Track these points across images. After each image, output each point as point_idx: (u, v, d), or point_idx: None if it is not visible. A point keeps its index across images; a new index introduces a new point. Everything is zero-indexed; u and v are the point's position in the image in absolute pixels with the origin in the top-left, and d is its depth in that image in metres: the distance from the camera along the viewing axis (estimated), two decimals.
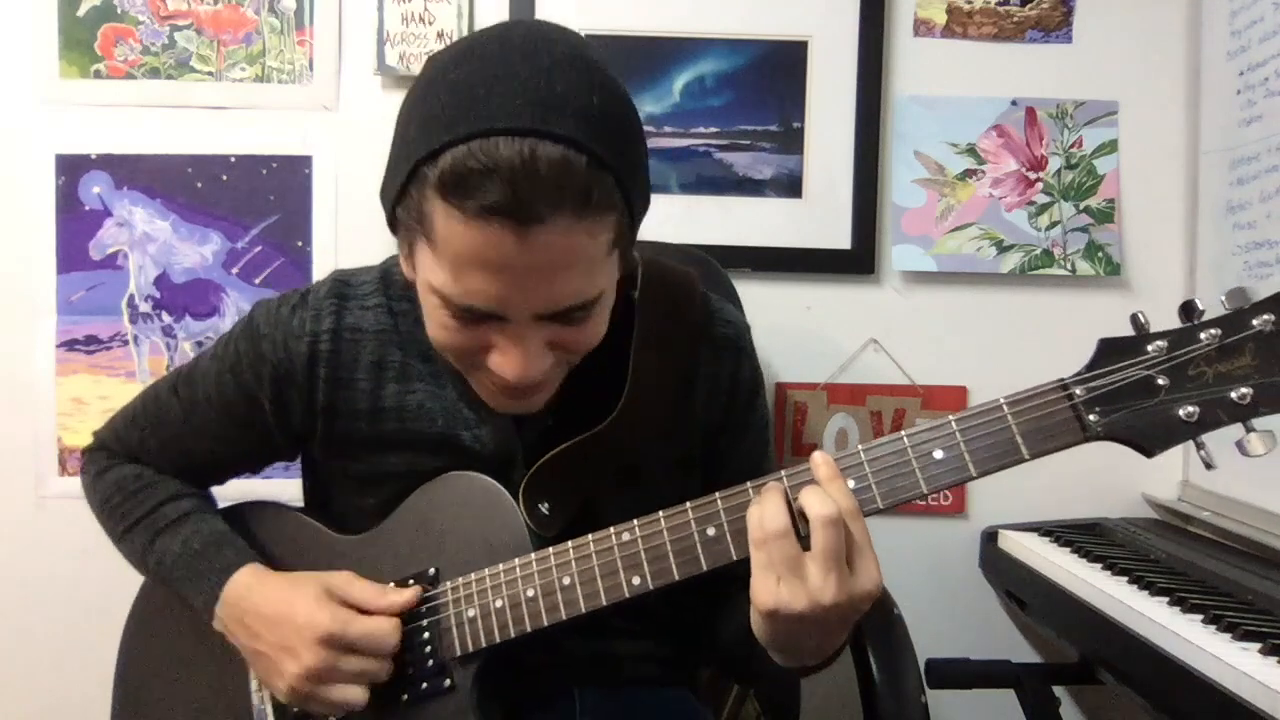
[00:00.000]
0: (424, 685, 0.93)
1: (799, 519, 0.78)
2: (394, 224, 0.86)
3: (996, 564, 1.58)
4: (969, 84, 1.68)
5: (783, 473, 0.83)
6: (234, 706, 1.01)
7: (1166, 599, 1.16)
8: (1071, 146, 1.68)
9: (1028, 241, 1.68)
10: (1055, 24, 1.68)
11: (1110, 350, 0.81)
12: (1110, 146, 1.68)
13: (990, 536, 1.60)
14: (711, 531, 0.84)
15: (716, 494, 0.85)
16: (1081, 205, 1.68)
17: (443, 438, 0.98)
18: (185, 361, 1.11)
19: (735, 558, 0.84)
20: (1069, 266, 1.68)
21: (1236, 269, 1.53)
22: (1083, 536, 1.51)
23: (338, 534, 1.02)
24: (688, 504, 0.85)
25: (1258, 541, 1.36)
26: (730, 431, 1.05)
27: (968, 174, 1.68)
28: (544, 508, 0.94)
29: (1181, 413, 0.77)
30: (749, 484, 0.84)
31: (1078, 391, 0.79)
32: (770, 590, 0.78)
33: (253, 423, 1.02)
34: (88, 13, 1.67)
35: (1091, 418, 0.79)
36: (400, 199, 0.81)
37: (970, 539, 1.66)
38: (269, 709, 0.99)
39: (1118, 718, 1.70)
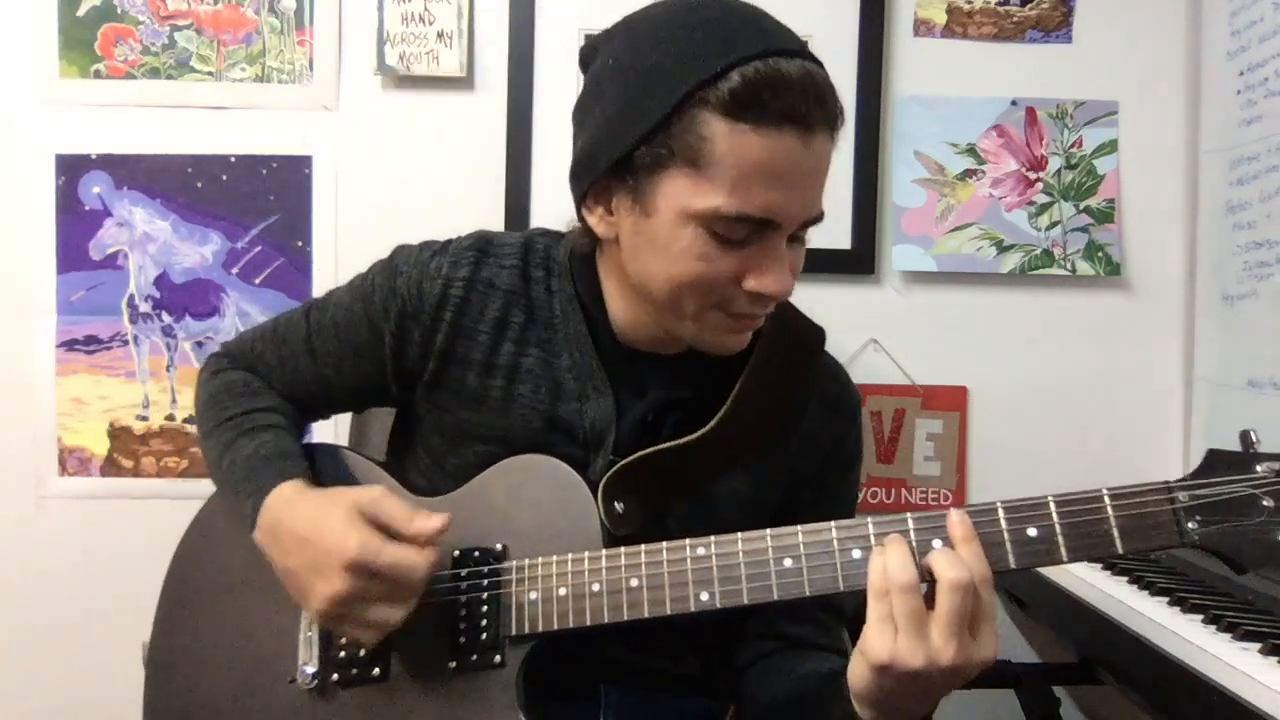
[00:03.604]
0: (474, 656, 0.93)
1: (923, 573, 0.77)
2: (614, 175, 0.90)
3: None
4: (969, 84, 1.68)
5: (908, 517, 0.82)
6: (281, 632, 1.00)
7: (1166, 599, 1.16)
8: (1071, 146, 1.68)
9: (1028, 241, 1.68)
10: (1055, 24, 1.68)
11: (1218, 462, 0.80)
12: (1110, 146, 1.68)
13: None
14: (789, 563, 0.84)
15: (798, 527, 0.85)
16: (1081, 205, 1.68)
17: (543, 405, 1.00)
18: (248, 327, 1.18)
19: (809, 593, 0.83)
20: (1069, 266, 1.68)
21: (1236, 269, 1.53)
22: None
23: (411, 493, 1.03)
24: (767, 531, 0.85)
25: None
26: (820, 491, 1.06)
27: (968, 174, 1.68)
28: (619, 506, 0.95)
29: None
30: (832, 524, 0.84)
31: (1181, 496, 0.79)
32: (886, 644, 0.76)
33: (370, 354, 1.05)
34: (88, 13, 1.67)
35: (1190, 525, 0.78)
36: (649, 137, 0.86)
37: None
38: (315, 638, 0.99)
39: (1118, 718, 1.70)
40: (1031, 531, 0.80)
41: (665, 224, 0.88)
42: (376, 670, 0.96)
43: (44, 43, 1.67)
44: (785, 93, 0.83)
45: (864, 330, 1.69)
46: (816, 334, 1.08)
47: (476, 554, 0.96)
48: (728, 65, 0.83)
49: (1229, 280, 1.55)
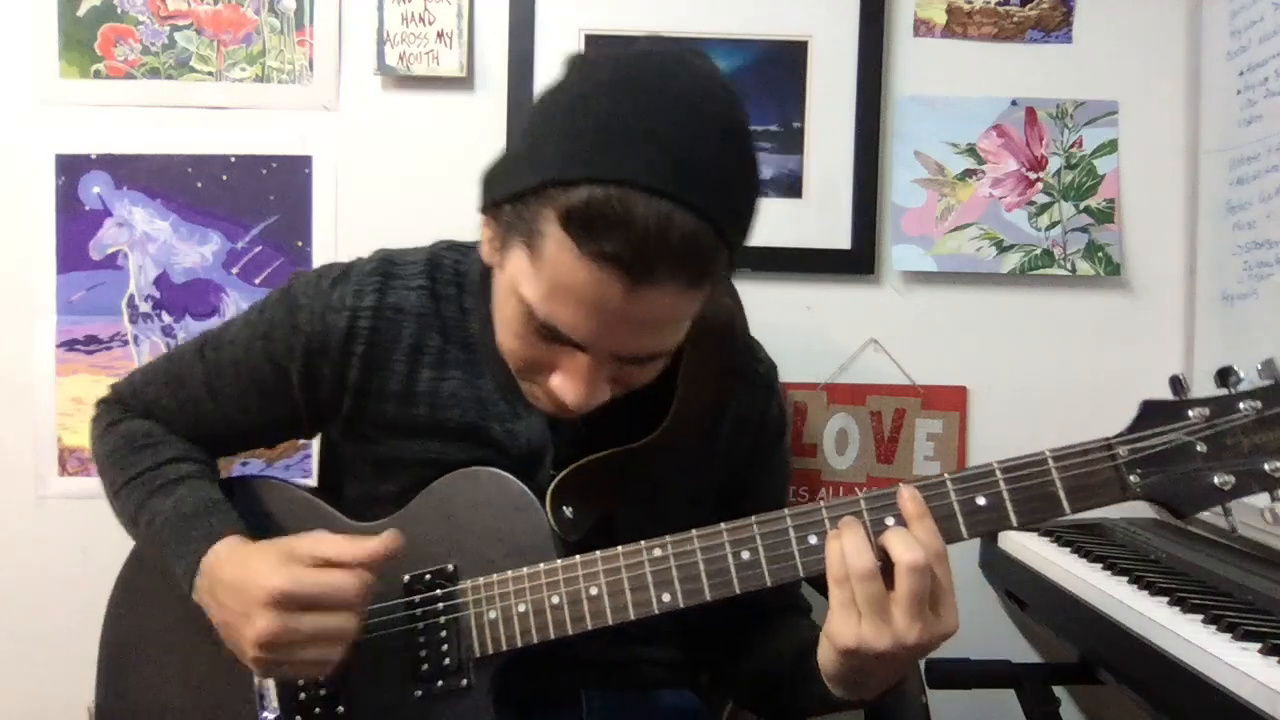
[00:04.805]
0: (440, 682, 0.92)
1: (879, 553, 0.78)
2: (493, 210, 0.85)
3: (996, 564, 1.58)
4: (969, 84, 1.68)
5: (860, 496, 0.82)
6: (234, 679, 0.98)
7: (1166, 599, 1.16)
8: (1071, 146, 1.68)
9: (1028, 241, 1.68)
10: (1055, 24, 1.68)
11: (1153, 413, 0.82)
12: (1110, 146, 1.68)
13: (990, 536, 1.60)
14: (746, 555, 0.84)
15: (753, 518, 0.84)
16: (1081, 205, 1.68)
17: (472, 428, 0.97)
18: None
19: (770, 584, 0.83)
20: (1069, 266, 1.68)
21: (1236, 269, 1.53)
22: (1083, 536, 1.51)
23: (350, 520, 1.00)
24: (722, 526, 0.85)
25: (1258, 541, 1.36)
26: (755, 466, 1.06)
27: (968, 174, 1.68)
28: (568, 511, 0.93)
29: (1216, 480, 0.79)
30: (786, 511, 0.84)
31: (1121, 451, 0.81)
32: (852, 630, 0.77)
33: (277, 393, 1.00)
34: (88, 13, 1.67)
35: (1132, 479, 0.80)
36: (515, 200, 0.81)
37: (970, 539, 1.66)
38: (272, 683, 0.97)
39: (1118, 718, 1.70)
40: (980, 500, 0.81)
41: (504, 286, 0.86)
42: (340, 708, 0.94)
43: (44, 43, 1.67)
44: (619, 235, 0.75)
45: (864, 330, 1.69)
46: (729, 312, 1.06)
47: (428, 577, 0.93)
48: (579, 178, 0.75)
49: (1229, 280, 1.55)
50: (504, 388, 0.97)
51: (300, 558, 0.87)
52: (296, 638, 0.85)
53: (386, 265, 0.99)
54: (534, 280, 0.81)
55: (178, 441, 1.05)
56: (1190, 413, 0.80)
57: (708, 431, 1.01)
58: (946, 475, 0.81)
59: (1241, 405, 0.79)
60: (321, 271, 1.01)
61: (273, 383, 1.00)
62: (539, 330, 0.83)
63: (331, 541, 0.89)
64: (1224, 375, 0.81)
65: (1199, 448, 0.80)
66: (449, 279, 1.00)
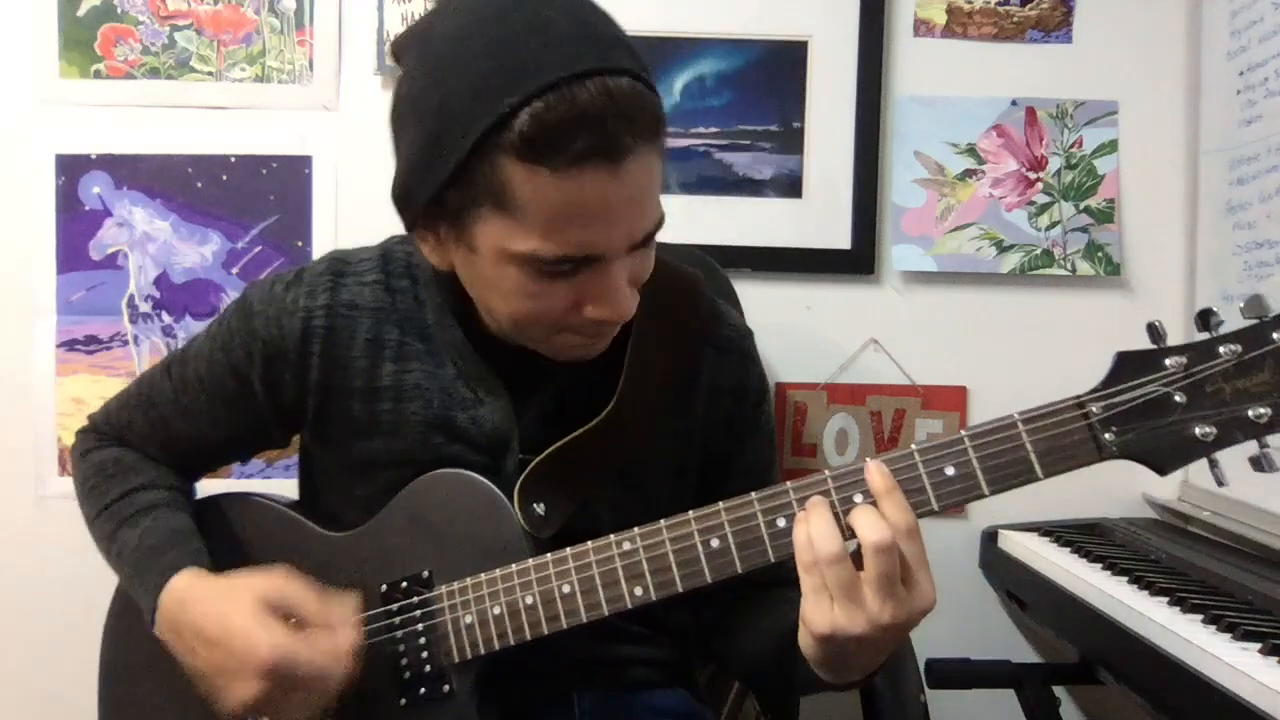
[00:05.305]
0: (421, 690, 0.92)
1: (848, 533, 0.76)
2: (432, 211, 0.84)
3: (996, 564, 1.58)
4: (969, 84, 1.68)
5: (827, 474, 0.80)
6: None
7: (1166, 599, 1.16)
8: (1071, 146, 1.68)
9: (1028, 241, 1.68)
10: (1055, 24, 1.68)
11: (1128, 364, 0.78)
12: (1110, 146, 1.68)
13: (990, 536, 1.60)
14: (716, 543, 0.82)
15: (720, 504, 0.83)
16: (1081, 205, 1.68)
17: (438, 419, 0.96)
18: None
19: (740, 571, 0.82)
20: (1069, 266, 1.68)
21: (1236, 269, 1.53)
22: (1083, 536, 1.51)
23: (324, 530, 1.00)
24: (690, 514, 0.83)
25: (1258, 541, 1.36)
26: (736, 434, 1.04)
27: (968, 174, 1.68)
28: (539, 508, 0.92)
29: (1198, 431, 0.75)
30: (753, 495, 0.82)
31: (1094, 409, 0.77)
32: (825, 615, 0.75)
33: (243, 403, 1.00)
34: (88, 13, 1.67)
35: (1107, 437, 0.77)
36: (454, 180, 0.80)
37: (970, 539, 1.66)
38: None
39: (1118, 718, 1.70)
40: (949, 470, 0.78)
41: (489, 262, 0.84)
42: None
43: (44, 43, 1.67)
44: (580, 129, 0.75)
45: (864, 330, 1.69)
46: (692, 280, 1.05)
47: (404, 584, 0.93)
48: (515, 104, 0.75)
49: (1229, 280, 1.55)
50: (465, 374, 0.97)
51: (271, 606, 0.88)
52: (281, 707, 0.87)
53: (338, 264, 1.00)
54: (524, 229, 0.80)
55: (148, 468, 1.05)
56: (1167, 361, 0.76)
57: (677, 401, 1.00)
58: (914, 447, 0.79)
59: (1221, 350, 0.75)
60: (275, 278, 1.01)
61: (237, 393, 1.00)
62: (555, 271, 0.82)
63: (295, 595, 0.89)
64: (1204, 318, 0.76)
65: (1177, 398, 0.75)
66: (402, 271, 0.99)
